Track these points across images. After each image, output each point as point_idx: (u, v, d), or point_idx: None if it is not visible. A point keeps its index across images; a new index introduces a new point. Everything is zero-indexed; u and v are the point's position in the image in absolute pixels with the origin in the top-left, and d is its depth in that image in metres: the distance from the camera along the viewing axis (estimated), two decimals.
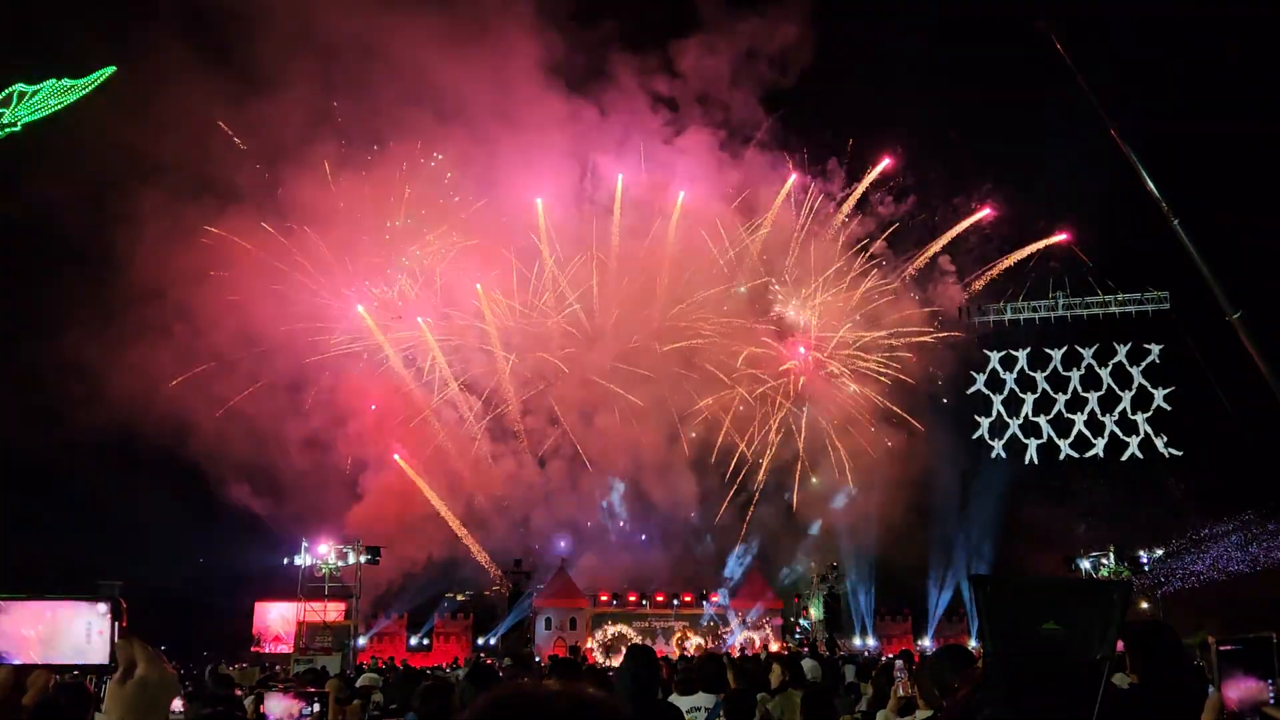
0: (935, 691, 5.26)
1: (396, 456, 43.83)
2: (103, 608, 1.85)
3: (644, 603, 43.16)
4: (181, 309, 41.09)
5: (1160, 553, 39.85)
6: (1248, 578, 39.96)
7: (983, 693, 3.17)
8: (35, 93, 37.88)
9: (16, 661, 1.83)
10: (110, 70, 38.43)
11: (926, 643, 41.46)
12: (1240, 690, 2.63)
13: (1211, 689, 2.67)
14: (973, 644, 35.60)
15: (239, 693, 9.55)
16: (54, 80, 38.11)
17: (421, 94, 43.03)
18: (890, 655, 24.23)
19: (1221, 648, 2.69)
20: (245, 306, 42.60)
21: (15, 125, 37.43)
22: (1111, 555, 38.42)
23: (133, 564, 38.18)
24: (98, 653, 1.84)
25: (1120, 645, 3.53)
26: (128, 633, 1.84)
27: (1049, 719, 2.98)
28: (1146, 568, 39.02)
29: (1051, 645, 3.00)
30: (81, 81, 38.12)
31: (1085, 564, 38.28)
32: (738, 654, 23.14)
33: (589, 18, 43.88)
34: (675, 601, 43.32)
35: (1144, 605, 37.87)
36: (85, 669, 1.87)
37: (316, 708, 3.98)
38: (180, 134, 40.20)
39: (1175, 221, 30.42)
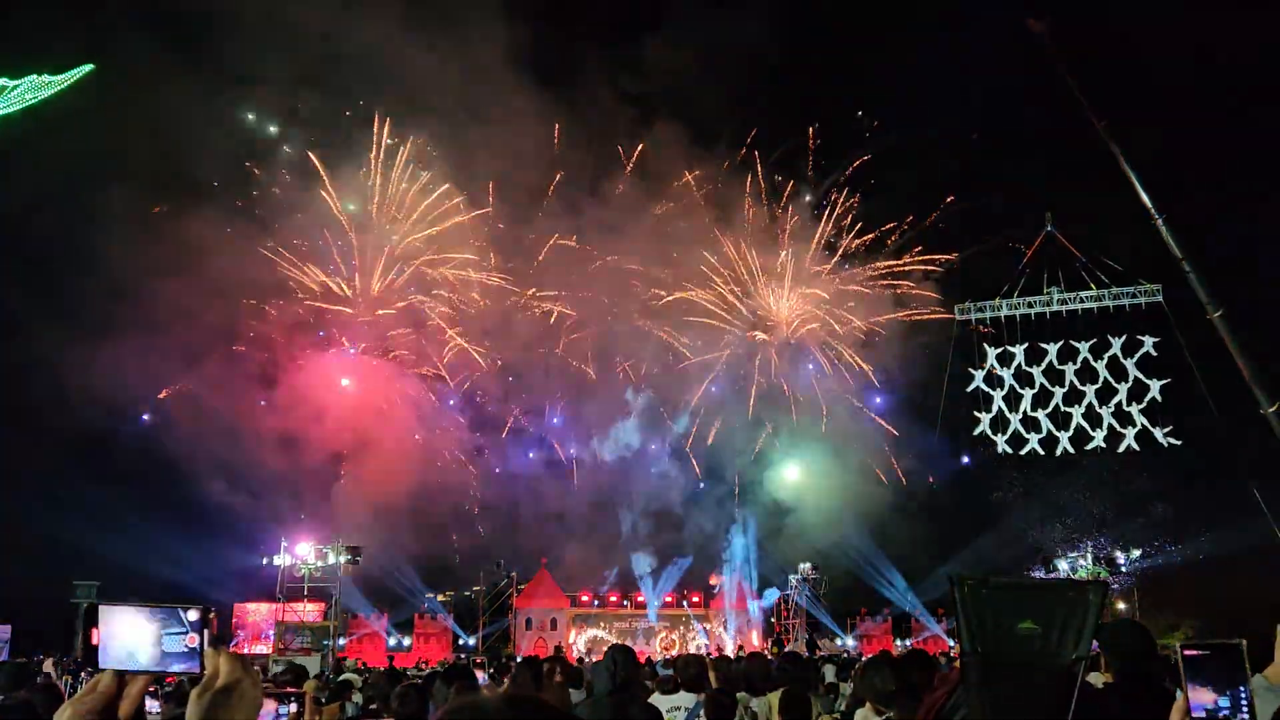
0: (877, 703, 5.29)
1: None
2: (193, 615, 1.86)
3: (625, 603, 43.18)
4: (154, 306, 40.92)
5: (1137, 554, 40.18)
6: (1224, 577, 40.36)
7: (958, 693, 3.18)
8: (15, 88, 37.58)
9: (117, 667, 1.84)
10: (89, 68, 38.15)
11: (909, 643, 41.60)
12: (1205, 697, 2.65)
13: (1179, 693, 2.68)
14: (950, 644, 35.82)
15: None
16: (34, 75, 37.80)
17: (391, 86, 43.20)
18: (870, 655, 24.25)
19: (1187, 653, 2.69)
20: (218, 302, 42.54)
21: None
22: (1089, 556, 38.71)
23: (109, 564, 37.92)
24: (185, 661, 1.84)
25: (1094, 645, 3.56)
26: (216, 642, 1.86)
27: (1024, 718, 3.00)
28: (1124, 569, 39.34)
29: (1028, 645, 3.02)
30: (59, 78, 37.81)
31: (1064, 565, 38.54)
32: (734, 653, 23.14)
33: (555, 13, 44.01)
34: (656, 601, 43.35)
35: (1120, 606, 38.19)
36: (179, 676, 1.88)
37: (294, 708, 3.95)
38: (151, 130, 40.06)
39: (1160, 219, 30.70)
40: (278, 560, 38.14)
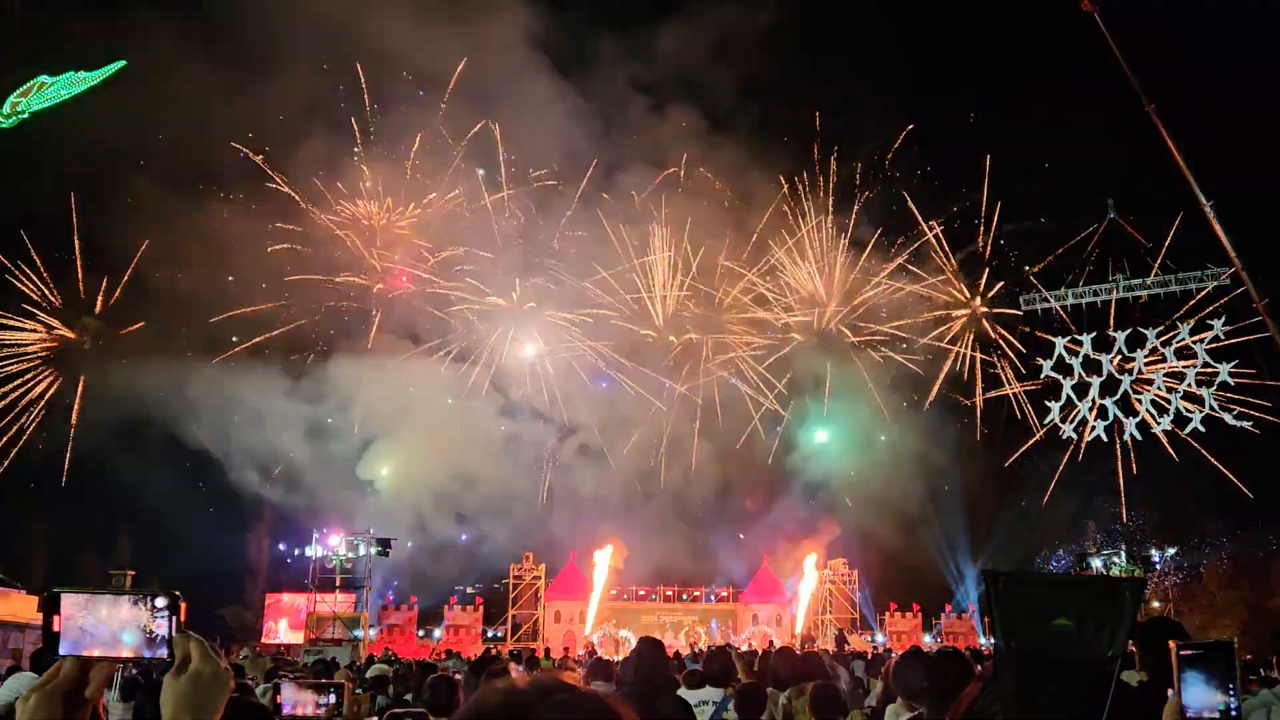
0: (908, 699, 5.28)
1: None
2: (161, 602, 1.88)
3: (654, 596, 43.21)
4: (188, 293, 41.44)
5: (1172, 551, 39.64)
6: (1261, 577, 39.77)
7: (991, 689, 3.17)
8: (52, 84, 38.18)
9: (80, 653, 1.86)
10: (121, 64, 38.68)
11: (939, 637, 41.27)
12: (1199, 696, 2.64)
13: (1171, 693, 2.67)
14: (981, 641, 35.57)
15: (249, 682, 9.61)
16: (71, 72, 38.37)
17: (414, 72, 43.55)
18: (902, 652, 24.09)
19: (1181, 652, 2.69)
20: (249, 289, 43.04)
21: (24, 113, 37.73)
22: (1123, 554, 38.24)
23: (143, 554, 38.48)
24: (155, 647, 1.87)
25: (1130, 643, 3.53)
26: (184, 628, 1.88)
27: (1059, 716, 2.98)
28: (1158, 566, 38.85)
29: (1062, 642, 3.00)
30: (92, 74, 38.35)
31: (1097, 562, 38.11)
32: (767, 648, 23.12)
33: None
34: (685, 596, 43.35)
35: (1155, 605, 37.75)
36: (146, 663, 1.90)
37: (333, 698, 4.03)
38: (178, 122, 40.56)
39: (1208, 205, 30.21)
40: (309, 551, 38.49)
